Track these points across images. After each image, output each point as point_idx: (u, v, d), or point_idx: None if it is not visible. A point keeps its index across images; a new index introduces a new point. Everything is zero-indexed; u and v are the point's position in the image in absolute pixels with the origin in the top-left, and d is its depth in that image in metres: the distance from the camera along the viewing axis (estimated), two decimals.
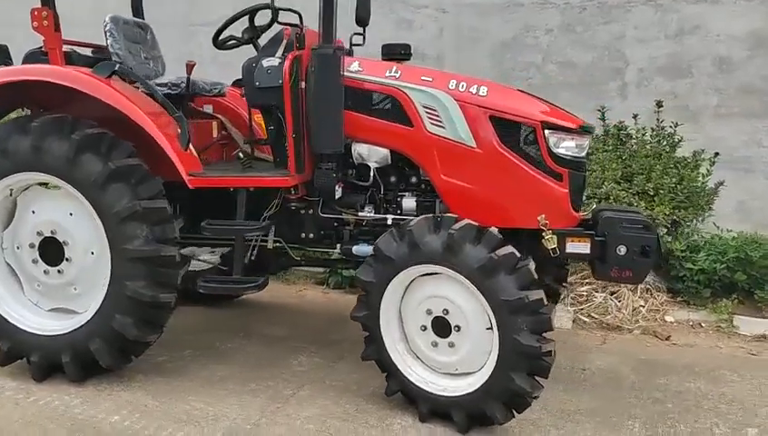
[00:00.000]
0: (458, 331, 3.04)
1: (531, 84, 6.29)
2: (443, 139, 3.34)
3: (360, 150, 3.52)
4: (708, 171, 5.08)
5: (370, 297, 3.17)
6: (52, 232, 3.45)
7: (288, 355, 3.94)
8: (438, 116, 3.33)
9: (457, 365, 3.10)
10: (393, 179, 3.58)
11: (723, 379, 3.76)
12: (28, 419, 3.16)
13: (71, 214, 3.42)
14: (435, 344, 3.12)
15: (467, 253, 2.91)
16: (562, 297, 4.73)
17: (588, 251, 3.35)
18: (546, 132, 3.28)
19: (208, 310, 4.69)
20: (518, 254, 2.92)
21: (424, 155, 3.40)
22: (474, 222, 3.00)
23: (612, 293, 4.91)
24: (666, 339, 4.39)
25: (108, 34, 3.76)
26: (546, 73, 6.31)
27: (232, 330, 4.35)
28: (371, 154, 3.51)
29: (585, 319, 4.68)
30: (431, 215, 3.11)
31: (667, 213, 4.78)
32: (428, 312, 3.09)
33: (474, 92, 3.35)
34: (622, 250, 3.29)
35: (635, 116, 5.31)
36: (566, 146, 3.32)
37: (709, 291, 4.75)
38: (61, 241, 3.45)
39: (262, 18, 3.98)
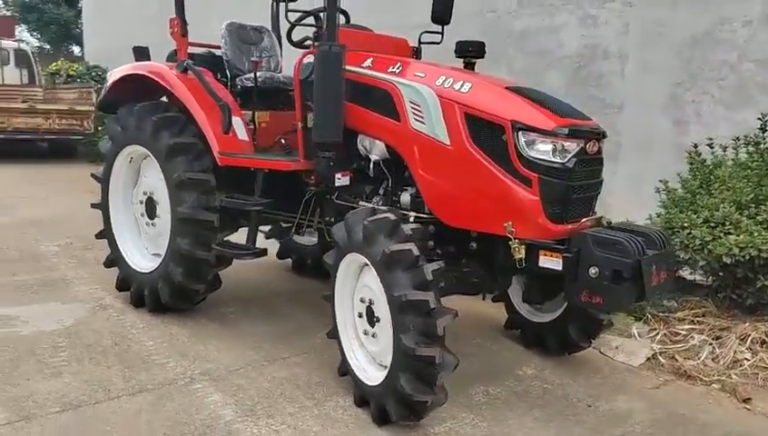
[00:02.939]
0: (378, 322, 3.07)
1: (722, 85, 5.47)
2: (422, 134, 3.34)
3: (364, 143, 3.70)
4: None
5: (331, 279, 3.38)
6: (151, 193, 4.41)
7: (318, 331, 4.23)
8: (420, 112, 3.34)
9: (379, 356, 3.13)
10: (395, 172, 3.67)
11: None
12: (108, 328, 4.16)
13: (160, 180, 4.32)
14: (365, 332, 3.20)
15: (377, 245, 2.94)
16: (655, 333, 4.17)
17: (560, 267, 3.02)
18: (517, 132, 3.05)
19: (312, 281, 5.25)
20: (417, 253, 2.84)
21: (407, 150, 3.44)
22: (392, 216, 3.00)
23: (716, 338, 4.09)
24: (744, 401, 3.54)
25: (222, 37, 4.59)
26: (742, 72, 5.37)
27: (308, 302, 4.82)
28: (372, 147, 3.67)
29: (664, 360, 4.00)
30: (372, 206, 3.18)
31: None
32: (362, 300, 3.18)
33: (457, 88, 3.27)
34: (593, 271, 2.90)
35: None
36: (540, 149, 3.04)
37: None
38: (155, 200, 4.39)
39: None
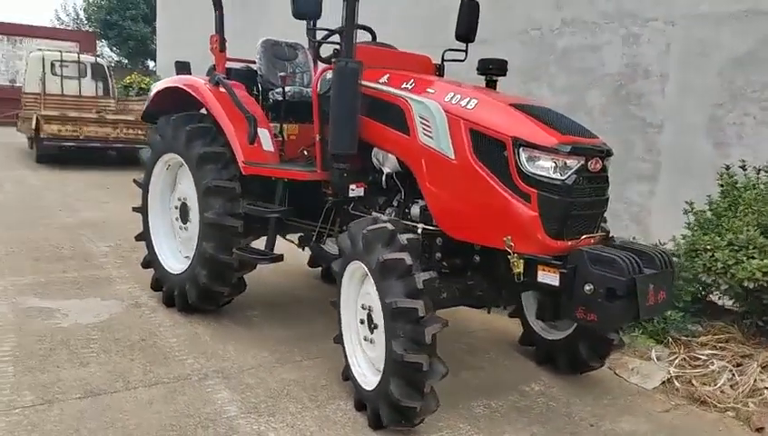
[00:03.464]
0: (376, 329, 3.17)
1: (765, 107, 5.34)
2: (430, 149, 3.43)
3: (378, 156, 3.82)
4: None
5: (337, 286, 3.50)
6: (185, 199, 4.66)
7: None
8: (429, 127, 3.44)
9: (376, 362, 3.22)
10: (407, 185, 3.76)
11: None
12: (139, 324, 4.41)
13: (192, 187, 4.56)
14: (365, 338, 3.29)
15: (374, 254, 3.05)
16: (674, 357, 4.10)
17: (558, 283, 3.04)
18: (518, 148, 3.10)
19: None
20: (410, 262, 2.92)
21: (416, 163, 3.53)
22: (390, 226, 3.10)
23: (737, 365, 3.98)
24: (757, 430, 3.44)
25: (257, 53, 4.82)
26: None
27: (329, 309, 4.95)
28: (385, 160, 3.78)
29: (679, 385, 3.92)
30: (374, 216, 3.29)
31: None
32: (363, 306, 3.29)
33: (463, 104, 3.35)
34: (587, 288, 2.92)
35: None
36: (540, 166, 3.08)
37: None
38: (188, 206, 4.63)
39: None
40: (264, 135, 4.24)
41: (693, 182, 5.63)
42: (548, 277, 3.07)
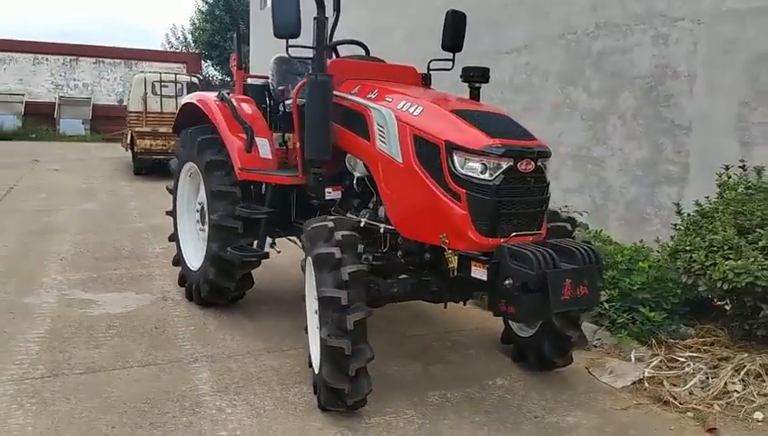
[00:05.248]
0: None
1: None
2: (384, 154, 3.69)
3: (350, 161, 4.11)
4: None
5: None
6: (203, 203, 5.16)
7: None
8: (384, 133, 3.70)
9: None
10: (375, 188, 4.01)
11: None
12: (158, 315, 4.94)
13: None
14: (317, 327, 3.58)
15: (314, 248, 3.34)
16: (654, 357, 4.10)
17: (485, 278, 3.21)
18: (450, 151, 3.30)
19: None
20: (339, 256, 3.19)
21: (375, 168, 3.80)
22: (330, 224, 3.38)
23: (714, 368, 3.91)
24: (709, 431, 3.40)
25: (270, 69, 5.26)
26: None
27: None
28: (355, 165, 4.07)
29: (649, 385, 3.90)
30: (327, 215, 3.58)
31: None
32: (315, 298, 3.58)
33: (411, 111, 3.59)
34: (507, 282, 3.08)
35: None
36: (470, 167, 3.27)
37: None
38: (206, 209, 5.13)
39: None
40: (263, 144, 4.64)
41: None
42: (479, 272, 3.23)
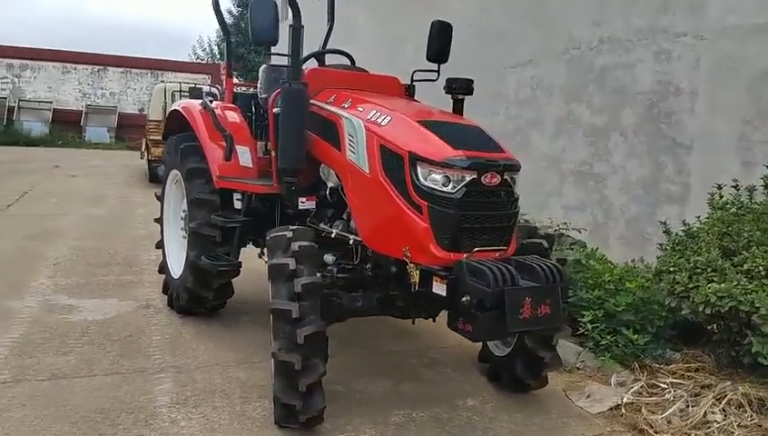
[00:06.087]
0: None
1: None
2: (352, 164, 3.60)
3: (324, 171, 4.03)
4: None
5: None
6: (186, 211, 5.12)
7: None
8: (353, 143, 3.61)
9: None
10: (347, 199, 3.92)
11: None
12: (136, 322, 4.89)
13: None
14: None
15: (272, 258, 3.26)
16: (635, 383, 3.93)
17: (444, 293, 3.09)
18: (413, 162, 3.20)
19: None
20: (293, 267, 3.10)
21: (344, 177, 3.71)
22: (288, 234, 3.29)
23: (695, 395, 3.72)
24: None
25: (258, 78, 5.22)
26: None
27: None
28: (329, 175, 3.98)
29: (626, 412, 3.73)
30: (290, 226, 3.50)
31: None
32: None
33: (379, 121, 3.50)
34: (464, 299, 2.96)
35: None
36: (432, 179, 3.17)
37: None
38: (189, 217, 5.08)
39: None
40: (243, 152, 4.58)
41: None
42: (439, 287, 3.11)
